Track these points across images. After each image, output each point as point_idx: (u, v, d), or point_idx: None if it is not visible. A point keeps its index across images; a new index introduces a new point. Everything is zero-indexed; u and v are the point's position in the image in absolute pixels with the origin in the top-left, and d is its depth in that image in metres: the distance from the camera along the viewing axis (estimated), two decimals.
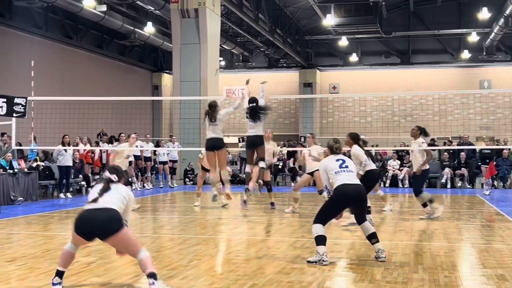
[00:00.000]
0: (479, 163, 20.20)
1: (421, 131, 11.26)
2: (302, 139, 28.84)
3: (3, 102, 12.67)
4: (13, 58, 22.32)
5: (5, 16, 22.24)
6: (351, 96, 33.86)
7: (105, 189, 5.59)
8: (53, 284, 5.53)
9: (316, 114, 33.91)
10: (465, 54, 31.87)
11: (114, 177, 5.69)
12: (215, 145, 10.92)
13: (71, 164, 16.32)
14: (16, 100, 12.90)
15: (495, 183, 19.90)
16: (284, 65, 35.22)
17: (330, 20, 26.77)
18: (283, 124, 34.92)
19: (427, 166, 11.27)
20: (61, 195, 16.15)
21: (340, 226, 9.62)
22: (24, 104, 13.05)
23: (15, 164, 14.69)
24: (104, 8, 23.43)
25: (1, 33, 22.32)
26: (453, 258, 7.39)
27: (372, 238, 7.04)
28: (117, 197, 5.56)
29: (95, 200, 5.52)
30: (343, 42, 31.45)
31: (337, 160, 7.14)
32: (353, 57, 33.78)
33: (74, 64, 26.52)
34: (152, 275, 5.34)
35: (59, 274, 5.58)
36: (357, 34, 30.89)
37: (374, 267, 6.67)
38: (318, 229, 6.86)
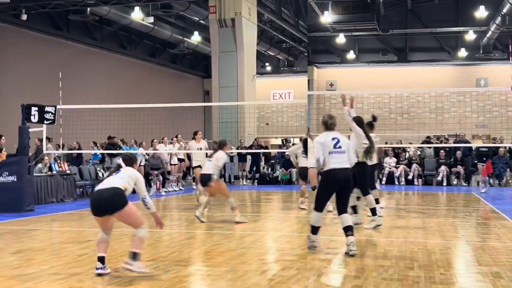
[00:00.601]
0: (475, 161, 20.25)
1: (369, 125, 10.59)
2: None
3: (35, 110, 13.09)
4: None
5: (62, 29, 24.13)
6: (348, 93, 33.69)
7: (115, 172, 6.35)
8: (96, 269, 6.06)
9: (313, 111, 33.91)
10: (462, 52, 31.88)
11: (122, 163, 6.47)
12: (203, 181, 10.59)
13: None
14: (47, 109, 13.35)
15: (491, 181, 19.95)
16: None
17: (327, 17, 26.77)
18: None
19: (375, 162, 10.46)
20: None
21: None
22: (54, 112, 13.45)
23: (54, 166, 15.15)
24: (151, 19, 24.74)
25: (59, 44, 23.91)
26: (449, 256, 7.43)
27: (348, 230, 7.23)
28: (124, 178, 6.20)
29: (103, 181, 6.27)
30: (341, 39, 31.45)
31: (333, 139, 7.34)
32: (350, 55, 33.76)
33: (128, 72, 28.31)
34: (133, 255, 5.87)
35: (100, 259, 6.09)
36: (355, 32, 30.84)
37: (369, 264, 6.71)
38: (314, 218, 7.30)
